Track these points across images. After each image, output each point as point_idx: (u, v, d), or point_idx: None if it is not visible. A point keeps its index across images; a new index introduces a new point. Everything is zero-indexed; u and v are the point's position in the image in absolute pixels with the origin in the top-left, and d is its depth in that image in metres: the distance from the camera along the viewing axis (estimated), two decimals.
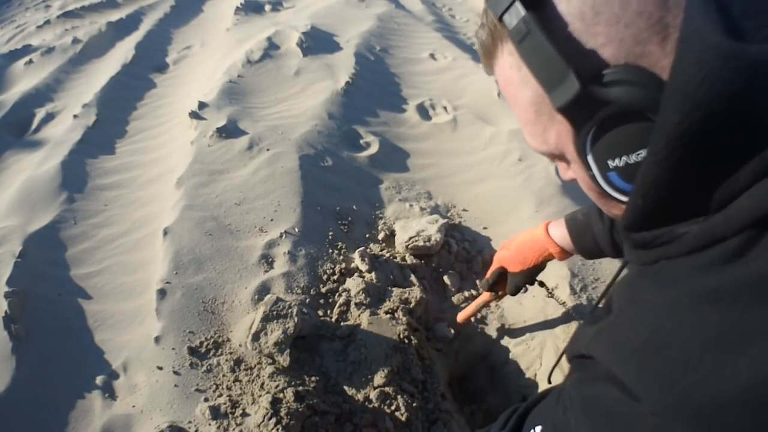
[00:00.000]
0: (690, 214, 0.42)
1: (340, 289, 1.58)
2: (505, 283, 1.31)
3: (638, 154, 0.43)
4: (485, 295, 1.43)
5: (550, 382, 1.24)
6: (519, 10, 0.43)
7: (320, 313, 1.50)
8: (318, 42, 3.18)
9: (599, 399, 0.46)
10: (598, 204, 0.54)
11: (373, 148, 2.25)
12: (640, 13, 0.39)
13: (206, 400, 1.28)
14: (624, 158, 0.44)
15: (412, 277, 1.65)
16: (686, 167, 0.39)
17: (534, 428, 0.59)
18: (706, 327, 0.38)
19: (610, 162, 0.45)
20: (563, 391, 0.55)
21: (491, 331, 1.60)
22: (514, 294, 1.31)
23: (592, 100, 0.42)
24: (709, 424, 0.36)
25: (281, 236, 1.71)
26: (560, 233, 1.15)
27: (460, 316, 1.53)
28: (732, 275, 0.38)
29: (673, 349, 0.39)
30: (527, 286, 1.32)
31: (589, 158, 0.46)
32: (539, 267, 1.23)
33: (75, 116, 2.62)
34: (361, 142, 2.31)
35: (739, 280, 0.37)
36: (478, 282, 1.74)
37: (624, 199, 0.46)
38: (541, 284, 1.32)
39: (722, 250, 0.39)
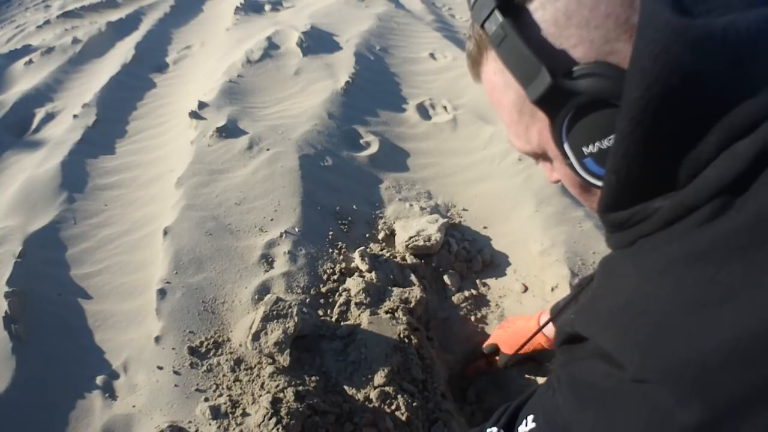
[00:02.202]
0: (662, 190, 0.44)
1: (341, 288, 1.58)
2: (498, 355, 1.41)
3: (609, 139, 0.46)
4: (482, 363, 1.49)
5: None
6: (498, 18, 0.48)
7: (320, 312, 1.50)
8: (318, 42, 3.18)
9: (584, 375, 0.48)
10: (580, 199, 0.56)
11: (373, 148, 2.25)
12: (608, 15, 0.43)
13: (206, 399, 1.28)
14: (597, 144, 0.47)
15: (413, 277, 1.65)
16: (652, 140, 0.42)
17: (526, 419, 0.60)
18: (682, 288, 0.39)
19: (584, 149, 0.48)
20: (551, 377, 0.57)
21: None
22: (504, 368, 1.40)
23: (563, 91, 0.46)
24: (693, 383, 0.36)
25: (281, 236, 1.71)
26: (549, 325, 1.22)
27: (467, 371, 1.56)
28: (702, 238, 0.40)
29: (652, 313, 0.40)
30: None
31: (566, 147, 0.49)
32: (529, 354, 1.33)
33: (75, 116, 2.62)
34: (361, 141, 2.31)
35: (710, 242, 0.39)
36: (478, 282, 1.74)
37: (600, 183, 0.49)
38: (535, 361, 1.44)
39: (693, 219, 0.41)
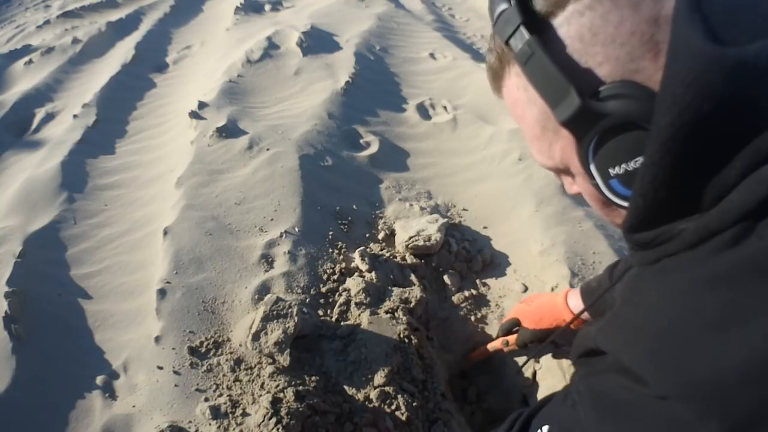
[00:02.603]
0: (687, 212, 0.44)
1: (341, 288, 1.58)
2: (517, 334, 1.36)
3: (636, 161, 0.46)
4: (497, 342, 1.44)
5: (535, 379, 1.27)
6: (524, 34, 0.47)
7: (320, 312, 1.50)
8: (318, 42, 3.18)
9: (607, 389, 0.48)
10: (602, 213, 0.56)
11: (373, 148, 2.25)
12: (633, 32, 0.43)
13: (206, 399, 1.28)
14: (623, 166, 0.47)
15: (412, 277, 1.65)
16: (680, 166, 0.42)
17: (541, 429, 0.60)
18: (704, 310, 0.40)
19: (611, 170, 0.48)
20: (570, 389, 0.56)
21: (491, 330, 1.60)
22: (522, 347, 1.35)
23: (591, 113, 0.45)
24: (712, 399, 0.37)
25: (281, 236, 1.71)
26: (576, 301, 1.21)
27: (473, 355, 1.54)
28: (726, 261, 0.40)
29: (675, 333, 0.41)
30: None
31: (592, 168, 0.49)
32: (551, 331, 1.28)
33: (75, 116, 2.62)
34: (361, 141, 2.31)
35: (733, 265, 0.39)
36: (478, 281, 1.74)
37: (625, 204, 0.49)
38: (555, 344, 1.35)
39: (717, 242, 0.41)
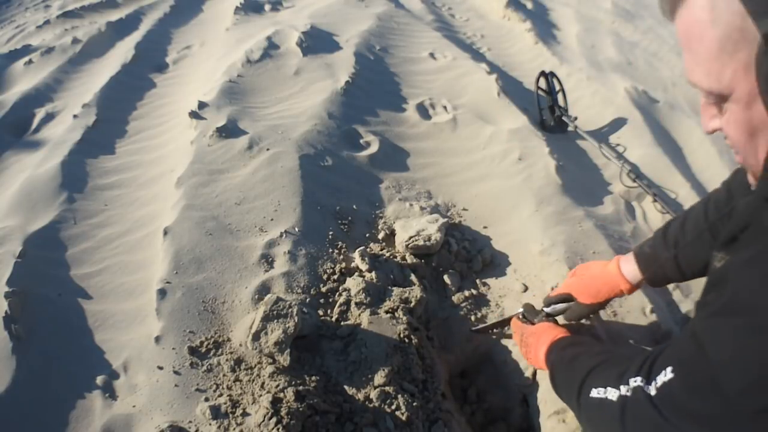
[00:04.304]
0: None
1: (341, 288, 1.58)
2: (564, 310, 1.33)
3: None
4: (515, 321, 1.38)
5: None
6: None
7: (320, 312, 1.50)
8: (318, 41, 3.18)
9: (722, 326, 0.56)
10: (740, 147, 0.62)
11: (373, 148, 2.25)
12: None
13: (207, 399, 1.28)
14: None
15: (413, 277, 1.65)
16: None
17: (665, 369, 0.65)
18: None
19: None
20: (694, 330, 0.62)
21: None
22: (576, 321, 1.33)
23: None
24: None
25: (281, 236, 1.71)
26: (631, 269, 1.20)
27: (481, 327, 1.53)
28: None
29: None
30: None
31: None
32: (607, 302, 1.27)
33: (75, 116, 2.62)
34: (361, 141, 2.31)
35: None
36: (478, 281, 1.74)
37: None
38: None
39: None
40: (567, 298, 1.30)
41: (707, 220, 1.06)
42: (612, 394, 0.77)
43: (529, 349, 1.22)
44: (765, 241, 0.58)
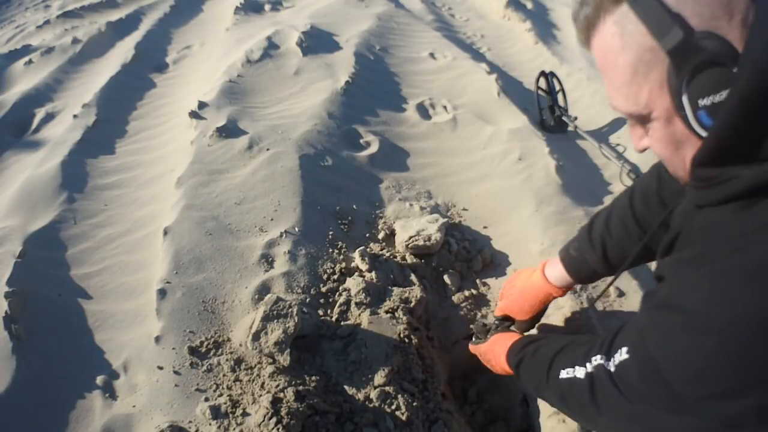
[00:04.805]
0: (748, 158, 0.55)
1: (341, 288, 1.58)
2: (509, 326, 1.34)
3: (721, 94, 0.54)
4: (471, 347, 1.39)
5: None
6: None
7: (320, 312, 1.50)
8: (318, 41, 3.18)
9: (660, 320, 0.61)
10: (668, 160, 0.65)
11: (373, 148, 2.25)
12: None
13: (207, 399, 1.28)
14: (710, 98, 0.55)
15: (413, 277, 1.65)
16: (753, 119, 0.52)
17: (621, 349, 0.68)
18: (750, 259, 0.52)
19: (700, 101, 0.56)
20: (638, 319, 0.67)
21: None
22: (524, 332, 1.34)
23: (690, 46, 0.55)
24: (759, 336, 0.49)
25: (281, 236, 1.71)
26: (557, 273, 1.21)
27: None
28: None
29: (728, 278, 0.53)
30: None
31: (684, 99, 0.57)
32: (544, 309, 1.29)
33: (75, 116, 2.62)
34: (361, 141, 2.31)
35: None
36: (478, 281, 1.74)
37: (705, 135, 0.57)
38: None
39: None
40: (507, 317, 1.33)
41: (634, 214, 1.06)
42: (580, 372, 0.79)
43: (492, 363, 1.22)
44: (696, 245, 0.62)
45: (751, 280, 0.52)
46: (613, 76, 0.63)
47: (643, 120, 0.64)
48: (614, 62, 0.62)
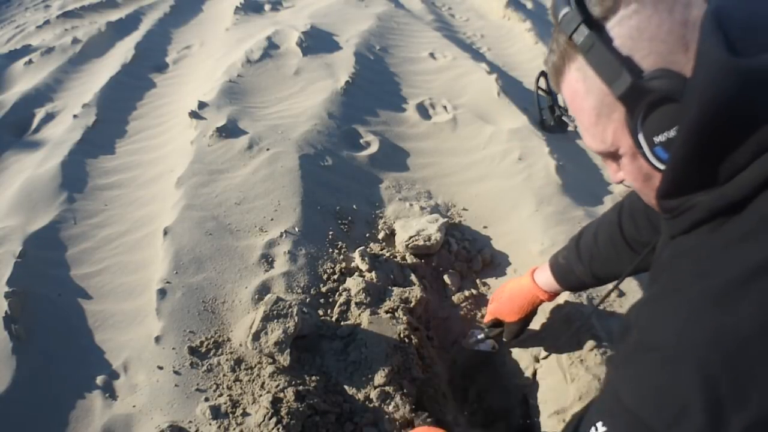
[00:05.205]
0: (705, 185, 0.56)
1: (341, 288, 1.58)
2: (501, 332, 1.40)
3: (675, 129, 0.56)
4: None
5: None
6: (584, 30, 0.58)
7: (321, 312, 1.50)
8: (318, 41, 3.18)
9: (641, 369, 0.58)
10: (642, 192, 0.67)
11: (373, 148, 2.25)
12: (670, 32, 0.55)
13: (207, 399, 1.28)
14: (665, 134, 0.57)
15: (413, 277, 1.65)
16: (702, 149, 0.54)
17: (595, 425, 0.63)
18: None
19: (655, 138, 0.58)
20: (610, 381, 0.65)
21: None
22: (511, 340, 1.40)
23: (639, 89, 0.56)
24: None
25: (281, 236, 1.71)
26: (546, 278, 1.26)
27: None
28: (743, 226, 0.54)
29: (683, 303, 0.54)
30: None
31: (640, 137, 0.59)
32: (533, 313, 1.34)
33: (75, 116, 2.62)
34: (361, 141, 2.31)
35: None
36: (478, 281, 1.74)
37: (663, 168, 0.59)
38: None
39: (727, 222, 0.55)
40: (497, 322, 1.38)
41: (622, 232, 1.09)
42: None
43: None
44: (664, 279, 0.63)
45: (722, 299, 0.50)
46: (581, 118, 0.65)
47: (613, 156, 0.66)
48: (581, 106, 0.64)
